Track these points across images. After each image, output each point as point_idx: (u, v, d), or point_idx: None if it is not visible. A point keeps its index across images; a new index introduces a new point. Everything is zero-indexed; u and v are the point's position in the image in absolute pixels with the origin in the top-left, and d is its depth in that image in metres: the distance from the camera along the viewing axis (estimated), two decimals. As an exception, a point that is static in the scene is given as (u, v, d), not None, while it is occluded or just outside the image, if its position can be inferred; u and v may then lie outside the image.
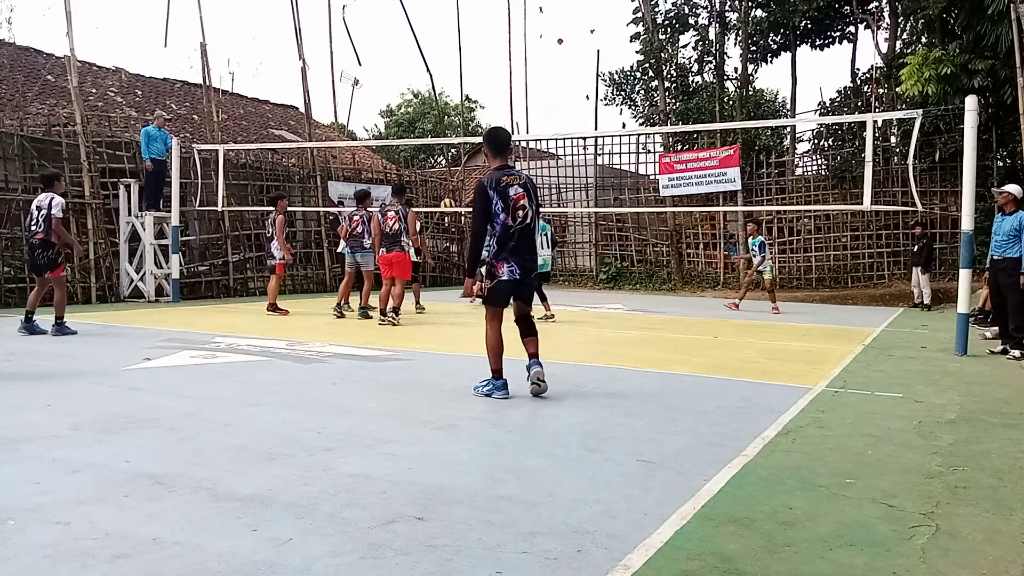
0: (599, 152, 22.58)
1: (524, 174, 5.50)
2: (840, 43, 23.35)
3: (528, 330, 5.42)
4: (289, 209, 16.64)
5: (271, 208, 11.47)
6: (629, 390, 5.68)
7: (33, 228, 8.26)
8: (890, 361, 7.52)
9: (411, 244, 10.17)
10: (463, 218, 22.07)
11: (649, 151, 22.34)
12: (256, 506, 2.97)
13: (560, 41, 30.40)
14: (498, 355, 5.29)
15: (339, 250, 12.05)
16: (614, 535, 2.75)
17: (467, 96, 43.28)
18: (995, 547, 2.73)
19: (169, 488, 3.16)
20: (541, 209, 6.10)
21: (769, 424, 4.55)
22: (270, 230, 11.33)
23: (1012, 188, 8.16)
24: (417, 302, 12.17)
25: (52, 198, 8.21)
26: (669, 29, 23.36)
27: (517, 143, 24.40)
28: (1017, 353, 7.88)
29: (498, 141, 5.41)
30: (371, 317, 10.31)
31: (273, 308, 11.06)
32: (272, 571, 2.39)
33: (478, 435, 4.19)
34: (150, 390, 5.26)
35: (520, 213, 5.20)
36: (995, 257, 8.16)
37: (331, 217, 17.08)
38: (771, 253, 14.68)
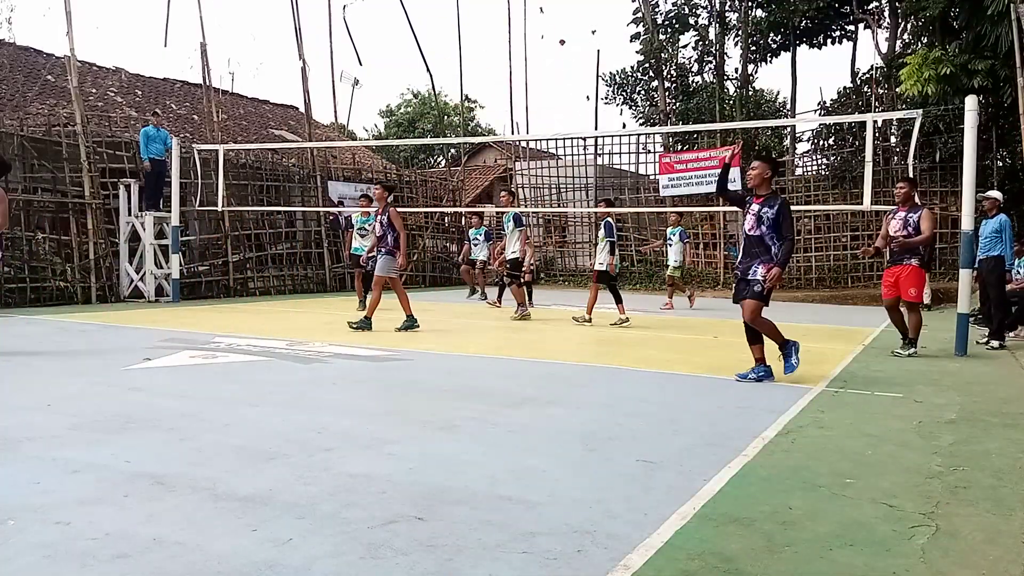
0: (599, 152, 22.60)
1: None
2: (840, 43, 23.41)
3: None
4: (288, 209, 16.70)
5: (271, 208, 11.41)
6: (629, 390, 5.68)
7: None
8: (890, 361, 7.52)
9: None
10: (463, 218, 22.07)
11: (649, 151, 22.39)
12: (256, 506, 2.97)
13: (562, 42, 30.45)
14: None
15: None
16: (614, 535, 2.74)
17: (467, 96, 43.30)
18: (995, 547, 2.72)
19: (169, 488, 3.16)
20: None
21: (769, 424, 4.55)
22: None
23: (994, 193, 9.21)
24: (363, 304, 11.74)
25: None
26: (669, 29, 23.40)
27: (517, 143, 24.43)
28: (995, 344, 8.60)
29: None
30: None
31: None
32: (272, 571, 2.39)
33: (478, 435, 4.19)
34: (150, 390, 5.25)
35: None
36: (980, 257, 8.91)
37: (331, 217, 17.06)
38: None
